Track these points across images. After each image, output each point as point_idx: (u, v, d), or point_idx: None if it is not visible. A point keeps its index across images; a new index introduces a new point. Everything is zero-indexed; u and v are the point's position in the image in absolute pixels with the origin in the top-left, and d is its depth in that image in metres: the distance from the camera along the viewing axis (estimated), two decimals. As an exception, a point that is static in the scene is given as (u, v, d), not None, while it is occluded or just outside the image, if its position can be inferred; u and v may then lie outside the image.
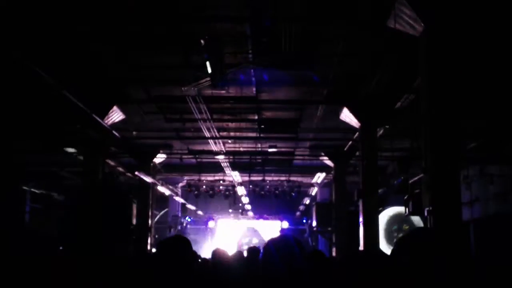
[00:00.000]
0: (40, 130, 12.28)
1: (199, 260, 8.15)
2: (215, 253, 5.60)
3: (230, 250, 6.74)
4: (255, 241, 24.42)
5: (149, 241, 17.14)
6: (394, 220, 16.76)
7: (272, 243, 2.62)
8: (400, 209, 15.78)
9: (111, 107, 12.07)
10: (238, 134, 15.72)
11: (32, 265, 2.00)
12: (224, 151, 16.76)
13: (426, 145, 7.15)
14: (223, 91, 11.65)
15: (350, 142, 14.89)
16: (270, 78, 10.57)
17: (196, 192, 21.95)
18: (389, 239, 16.34)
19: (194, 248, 3.13)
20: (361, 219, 12.32)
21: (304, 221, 25.67)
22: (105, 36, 8.76)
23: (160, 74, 10.81)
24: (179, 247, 2.93)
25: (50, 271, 2.00)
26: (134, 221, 17.01)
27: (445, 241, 2.16)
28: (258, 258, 4.44)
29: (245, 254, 6.36)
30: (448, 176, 6.82)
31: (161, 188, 19.15)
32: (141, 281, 2.60)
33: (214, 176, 21.03)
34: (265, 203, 23.79)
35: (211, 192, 22.01)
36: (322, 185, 21.43)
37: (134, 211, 17.12)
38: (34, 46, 8.30)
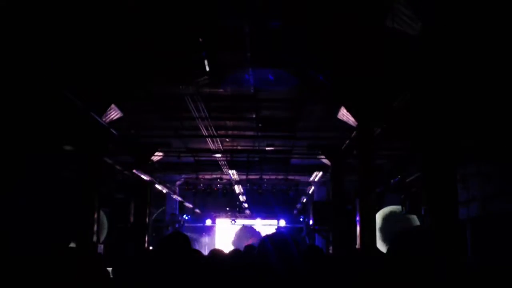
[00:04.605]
0: (38, 128, 12.24)
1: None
2: (212, 253, 5.61)
3: (228, 249, 6.78)
4: (252, 239, 24.45)
5: (146, 238, 17.13)
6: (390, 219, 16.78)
7: (268, 238, 2.64)
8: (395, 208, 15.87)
9: (109, 105, 12.07)
10: (236, 132, 15.73)
11: (32, 264, 2.01)
12: (222, 150, 16.77)
13: (423, 143, 7.18)
14: (221, 90, 11.65)
15: (347, 141, 14.90)
16: (268, 77, 10.57)
17: (193, 190, 21.99)
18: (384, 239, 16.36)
19: (192, 245, 3.16)
20: (358, 218, 12.35)
21: (301, 219, 25.70)
22: (103, 34, 8.76)
23: (158, 72, 10.81)
24: (178, 243, 2.95)
25: (51, 268, 2.01)
26: (132, 219, 17.05)
27: (442, 240, 2.18)
28: (254, 253, 4.46)
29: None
30: (445, 175, 6.84)
31: (159, 186, 19.15)
32: (143, 278, 2.62)
33: (211, 174, 21.05)
34: (263, 201, 23.82)
35: (208, 190, 22.05)
36: (319, 184, 21.44)
37: (132, 210, 17.16)
38: (32, 43, 8.28)
